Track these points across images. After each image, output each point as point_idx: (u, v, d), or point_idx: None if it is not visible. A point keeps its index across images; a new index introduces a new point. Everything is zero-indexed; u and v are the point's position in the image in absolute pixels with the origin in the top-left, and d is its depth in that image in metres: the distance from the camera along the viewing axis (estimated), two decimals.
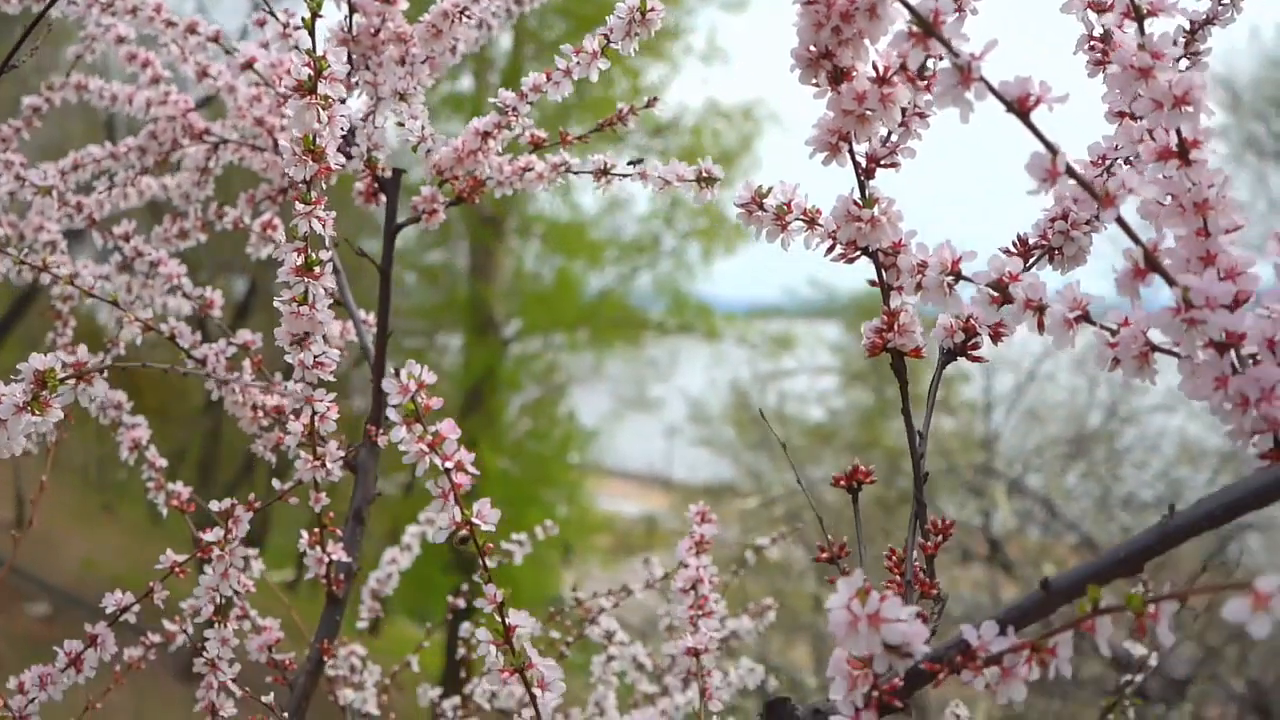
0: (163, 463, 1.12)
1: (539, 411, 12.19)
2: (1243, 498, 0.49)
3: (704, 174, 0.85)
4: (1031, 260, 0.70)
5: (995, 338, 0.68)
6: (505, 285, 11.99)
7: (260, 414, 1.04)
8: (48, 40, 0.93)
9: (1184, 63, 0.68)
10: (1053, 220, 0.69)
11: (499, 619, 0.65)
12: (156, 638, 1.14)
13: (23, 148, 1.32)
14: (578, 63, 0.89)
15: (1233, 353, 0.53)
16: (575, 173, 0.99)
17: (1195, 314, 0.51)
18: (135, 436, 1.13)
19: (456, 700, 1.44)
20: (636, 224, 12.61)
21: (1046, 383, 8.17)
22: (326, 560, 0.98)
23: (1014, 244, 0.70)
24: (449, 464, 0.63)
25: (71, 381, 0.68)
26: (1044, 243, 0.69)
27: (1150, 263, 0.52)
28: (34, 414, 0.69)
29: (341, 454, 0.92)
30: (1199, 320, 0.51)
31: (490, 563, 0.66)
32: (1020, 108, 0.51)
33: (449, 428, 0.63)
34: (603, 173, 0.97)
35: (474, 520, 0.64)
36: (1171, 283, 0.52)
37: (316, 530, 0.98)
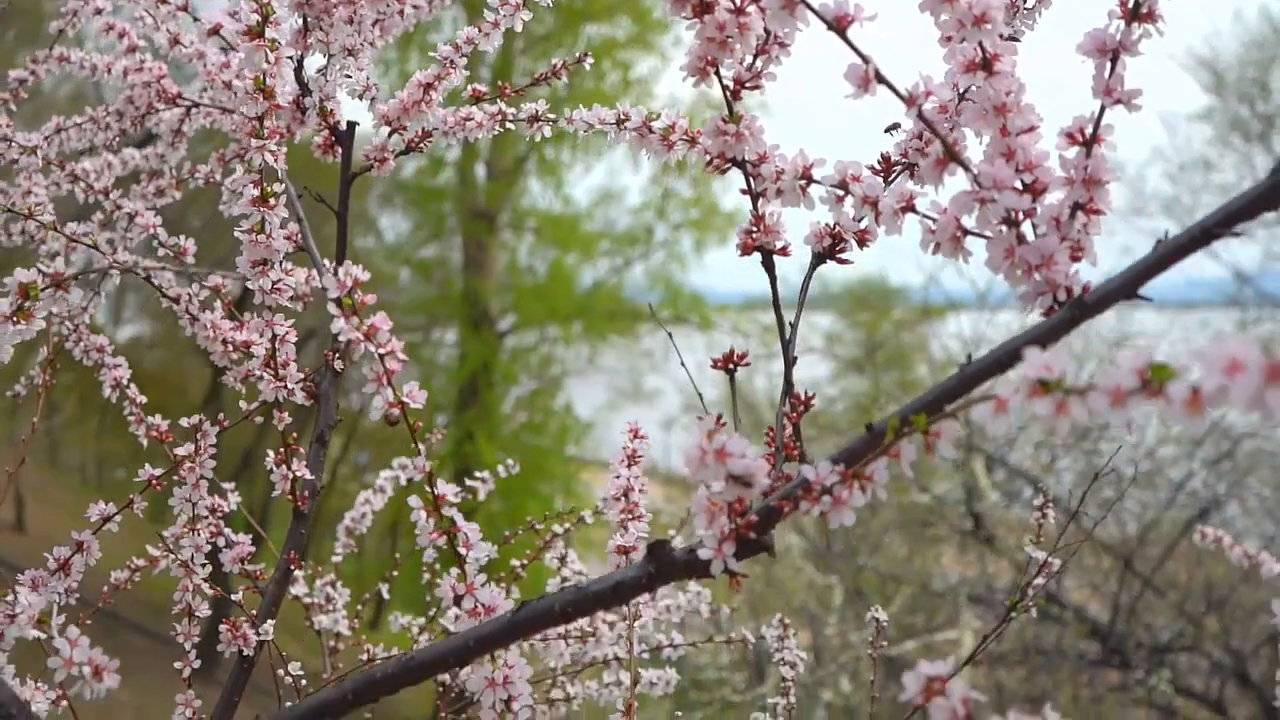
0: (143, 399, 1.21)
1: (535, 404, 12.28)
2: (1023, 343, 0.59)
3: (622, 117, 0.94)
4: (894, 175, 0.79)
5: (860, 243, 0.78)
6: (499, 279, 12.08)
7: (230, 348, 1.14)
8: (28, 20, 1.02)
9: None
10: (911, 140, 0.79)
11: (429, 489, 0.75)
12: (141, 561, 1.24)
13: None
14: (503, 14, 0.99)
15: (1029, 228, 0.63)
16: (512, 121, 1.08)
17: (985, 194, 0.61)
18: (117, 376, 1.22)
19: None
20: (629, 216, 12.71)
21: None
22: (291, 477, 1.08)
23: (878, 161, 0.80)
24: (382, 350, 0.73)
25: (51, 290, 0.77)
26: (904, 159, 0.79)
27: (950, 154, 0.62)
28: (19, 322, 0.78)
29: (301, 375, 1.02)
30: (989, 199, 0.61)
31: (447, 487, 0.75)
32: (839, 26, 0.61)
33: (382, 319, 0.73)
34: (535, 119, 1.07)
35: (405, 399, 0.74)
36: (968, 170, 0.62)
37: (282, 450, 1.08)
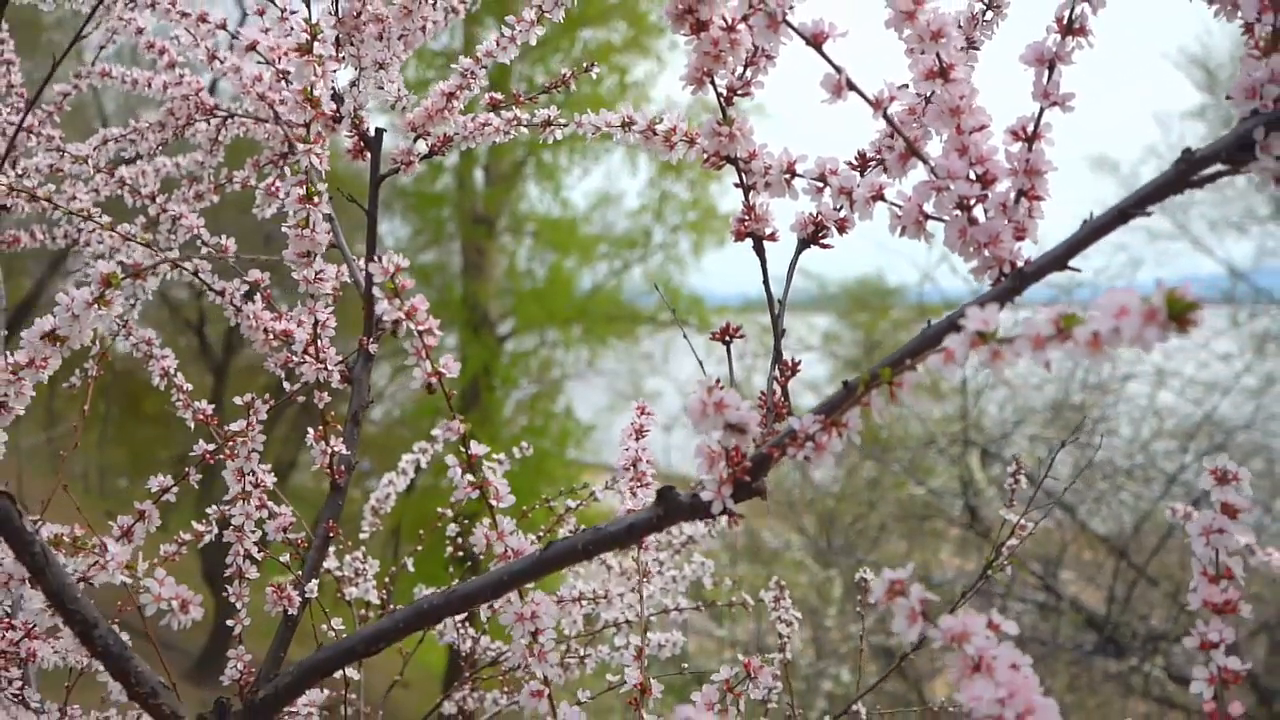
0: (188, 386, 1.32)
1: (535, 408, 12.37)
2: (969, 306, 0.69)
3: (627, 120, 1.05)
4: (869, 169, 0.90)
5: (840, 229, 0.88)
6: (498, 283, 12.18)
7: (271, 337, 1.24)
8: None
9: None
10: (882, 138, 0.90)
11: (463, 449, 0.86)
12: (188, 536, 1.34)
13: None
14: (519, 30, 1.10)
15: (981, 212, 0.74)
16: (526, 126, 1.19)
17: (941, 184, 0.71)
18: (164, 366, 1.33)
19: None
20: (627, 219, 12.82)
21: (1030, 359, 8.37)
22: (330, 452, 1.19)
23: (855, 157, 0.91)
24: (421, 328, 0.84)
25: (130, 279, 0.88)
26: (877, 156, 0.90)
27: (911, 149, 0.73)
28: (100, 308, 0.89)
29: (340, 358, 1.13)
30: (944, 188, 0.72)
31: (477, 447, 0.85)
32: (816, 41, 0.72)
33: (420, 301, 0.84)
34: (548, 123, 1.18)
35: (441, 370, 0.84)
36: (926, 163, 0.73)
37: (321, 427, 1.18)
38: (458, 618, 1.52)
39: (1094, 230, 0.67)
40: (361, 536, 1.64)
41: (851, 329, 11.99)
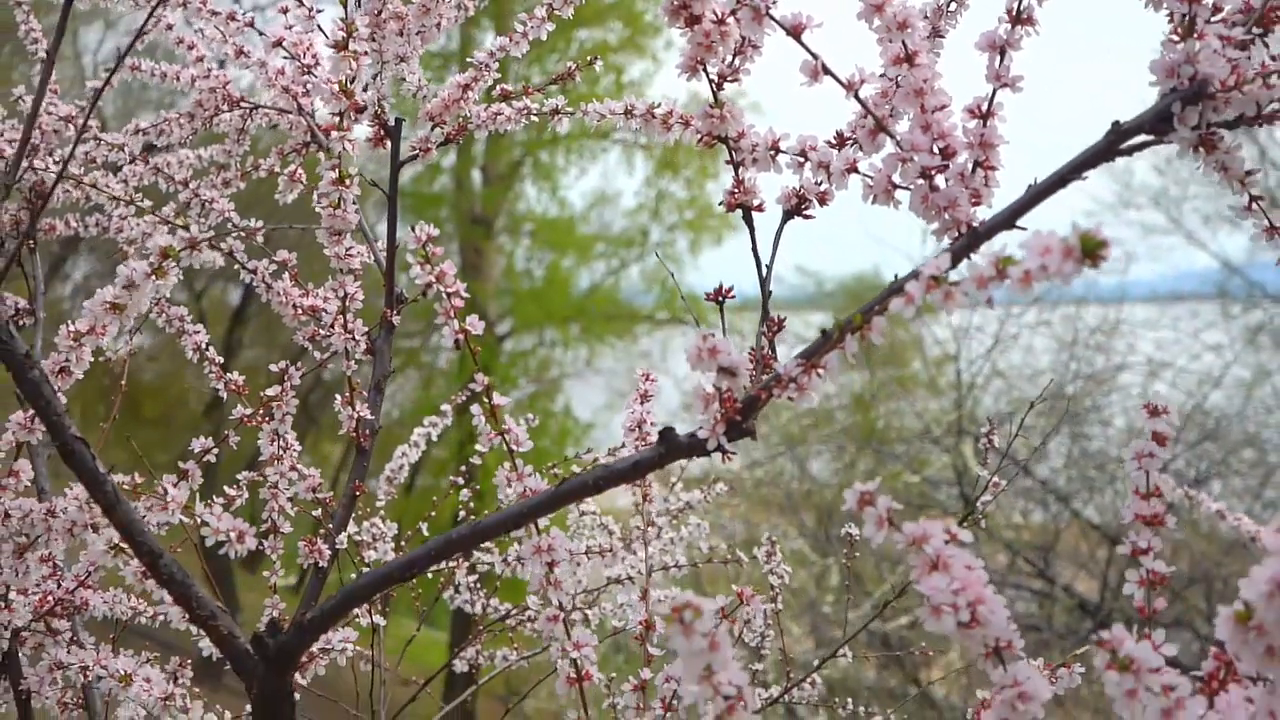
0: (220, 359, 1.42)
1: (534, 407, 12.47)
2: (928, 260, 0.79)
3: (629, 108, 1.15)
4: (845, 146, 1.00)
5: (821, 201, 0.98)
6: (497, 283, 12.27)
7: (299, 311, 1.34)
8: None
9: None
10: (857, 118, 1.00)
11: (487, 400, 0.96)
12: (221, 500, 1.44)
13: None
14: (531, 26, 1.20)
15: (942, 180, 0.84)
16: (535, 115, 1.29)
17: (906, 156, 0.82)
18: (196, 340, 1.43)
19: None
20: (624, 218, 12.92)
21: (1026, 353, 8.52)
22: (356, 417, 1.29)
23: (834, 135, 1.01)
24: (449, 290, 0.94)
25: (188, 250, 0.98)
26: (852, 134, 1.00)
27: (879, 126, 0.83)
28: (158, 279, 0.99)
29: (366, 329, 1.23)
30: (909, 160, 0.82)
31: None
32: (795, 32, 0.82)
33: (449, 266, 0.94)
34: (556, 112, 1.28)
35: (467, 327, 0.94)
36: (894, 138, 0.83)
37: (349, 393, 1.29)
38: (472, 578, 1.62)
39: (1037, 194, 0.77)
40: (378, 505, 1.74)
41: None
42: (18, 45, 1.79)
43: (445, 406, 1.84)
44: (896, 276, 0.81)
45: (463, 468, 1.70)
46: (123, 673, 1.03)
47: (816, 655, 6.78)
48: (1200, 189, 9.33)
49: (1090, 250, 0.59)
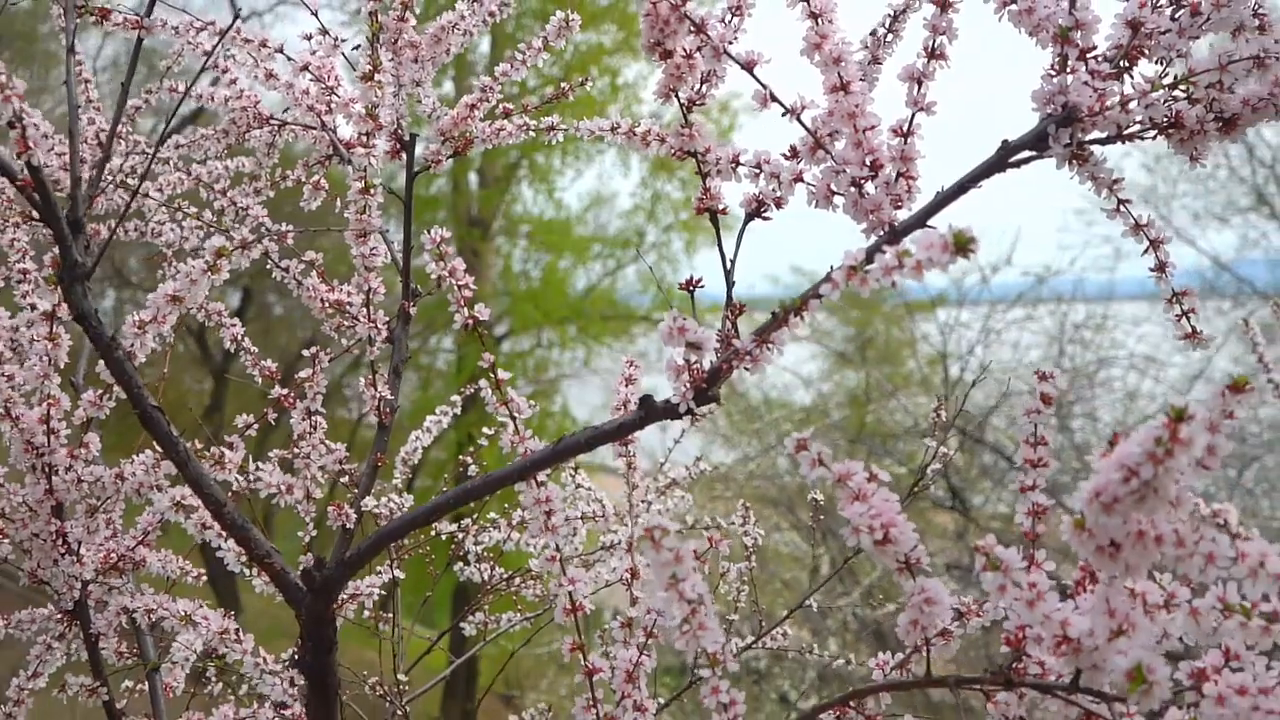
0: (255, 349, 1.59)
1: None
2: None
3: (615, 125, 1.33)
4: (796, 159, 1.18)
5: (777, 205, 1.16)
6: (494, 285, 12.44)
7: (325, 305, 1.52)
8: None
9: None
10: (804, 137, 1.17)
11: (493, 375, 1.14)
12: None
13: None
14: (529, 54, 1.38)
15: (870, 188, 1.02)
16: (535, 130, 1.47)
17: (839, 168, 1.00)
18: (234, 333, 1.60)
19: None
20: (620, 220, 13.09)
21: (1014, 349, 8.71)
22: (378, 396, 1.47)
23: (789, 150, 1.18)
24: (460, 282, 1.11)
25: (239, 250, 1.16)
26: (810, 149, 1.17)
27: (818, 144, 1.01)
28: (213, 274, 1.17)
29: (387, 319, 1.40)
30: (842, 171, 1.00)
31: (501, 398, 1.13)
32: (748, 66, 1.00)
33: (460, 262, 1.12)
34: (552, 129, 1.46)
35: (476, 314, 1.12)
36: (829, 154, 1.01)
37: (370, 375, 1.46)
38: (480, 546, 1.80)
39: (940, 201, 0.95)
40: (395, 482, 1.92)
41: (842, 324, 12.30)
42: (17, 53, 1.96)
43: (455, 397, 2.02)
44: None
45: (462, 456, 1.88)
46: (183, 613, 1.20)
47: (811, 644, 6.97)
48: (1189, 186, 9.51)
49: (961, 245, 0.77)
